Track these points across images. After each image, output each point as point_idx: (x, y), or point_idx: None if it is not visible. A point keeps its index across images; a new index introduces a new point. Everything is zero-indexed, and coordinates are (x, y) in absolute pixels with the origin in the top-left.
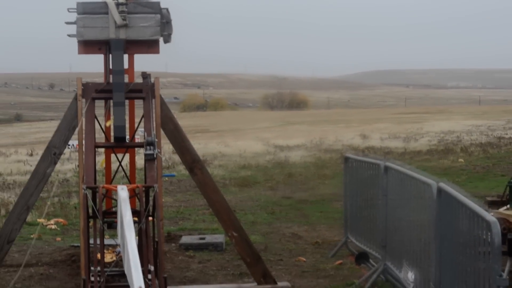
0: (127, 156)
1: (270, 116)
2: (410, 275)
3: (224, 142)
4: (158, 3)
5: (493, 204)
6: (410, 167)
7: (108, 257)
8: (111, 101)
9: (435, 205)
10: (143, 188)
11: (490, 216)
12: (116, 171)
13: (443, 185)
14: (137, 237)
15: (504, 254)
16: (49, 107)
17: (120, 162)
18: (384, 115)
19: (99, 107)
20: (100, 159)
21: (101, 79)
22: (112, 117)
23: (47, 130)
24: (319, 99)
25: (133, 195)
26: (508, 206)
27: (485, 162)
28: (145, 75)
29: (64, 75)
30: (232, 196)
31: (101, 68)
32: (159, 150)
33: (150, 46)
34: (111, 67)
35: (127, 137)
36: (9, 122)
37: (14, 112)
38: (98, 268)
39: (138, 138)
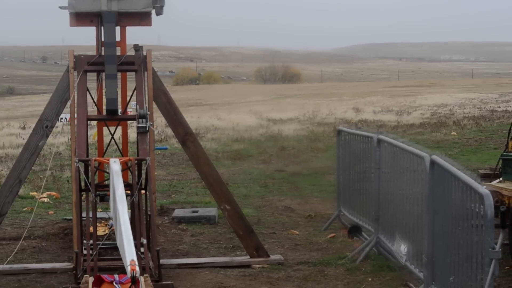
0: (120, 129)
1: (263, 89)
2: (402, 248)
3: (217, 116)
4: None
5: (486, 177)
6: (403, 140)
7: (101, 230)
8: (103, 73)
9: (428, 178)
10: (136, 161)
11: (483, 188)
12: (109, 144)
13: (436, 158)
14: (129, 210)
15: (497, 227)
16: (41, 80)
17: (112, 135)
18: (377, 88)
19: (91, 80)
20: (92, 132)
21: (93, 52)
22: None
23: (39, 103)
24: (312, 72)
25: (125, 168)
26: (501, 179)
27: (478, 135)
28: (137, 48)
29: (57, 48)
30: (225, 169)
31: (93, 41)
32: (151, 123)
33: (142, 18)
34: (103, 39)
35: (119, 110)
36: (1, 96)
37: (6, 85)
38: (91, 241)
39: (131, 111)
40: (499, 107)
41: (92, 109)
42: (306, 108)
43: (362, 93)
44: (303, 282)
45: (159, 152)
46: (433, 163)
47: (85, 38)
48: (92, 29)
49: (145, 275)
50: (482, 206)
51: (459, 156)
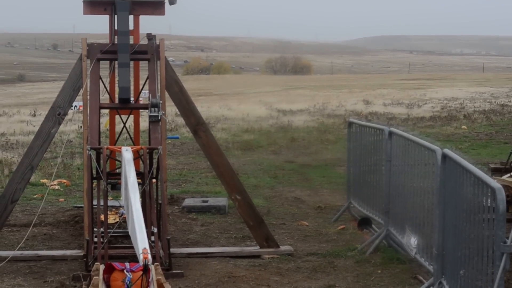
0: (131, 117)
1: (273, 80)
2: (412, 241)
3: (227, 106)
4: None
5: (496, 171)
6: (414, 133)
7: (112, 218)
8: (116, 62)
9: (439, 171)
10: (147, 150)
11: (495, 182)
12: (120, 133)
13: (447, 151)
14: (140, 199)
15: (508, 221)
16: (52, 67)
17: (124, 124)
18: (388, 81)
19: (104, 68)
20: (104, 120)
21: (104, 40)
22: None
23: (50, 90)
24: (323, 64)
25: (137, 156)
26: None
27: (488, 129)
28: (150, 37)
29: (67, 36)
30: (235, 159)
31: (104, 29)
32: (163, 112)
33: (155, 7)
34: (116, 28)
35: (132, 98)
36: (12, 82)
37: (17, 72)
38: (102, 229)
39: (142, 100)
40: (510, 101)
41: (104, 97)
42: (316, 100)
43: (372, 85)
44: (312, 273)
45: (170, 141)
46: (444, 156)
47: (96, 26)
48: (103, 18)
49: (155, 263)
50: (494, 200)
51: (469, 150)
